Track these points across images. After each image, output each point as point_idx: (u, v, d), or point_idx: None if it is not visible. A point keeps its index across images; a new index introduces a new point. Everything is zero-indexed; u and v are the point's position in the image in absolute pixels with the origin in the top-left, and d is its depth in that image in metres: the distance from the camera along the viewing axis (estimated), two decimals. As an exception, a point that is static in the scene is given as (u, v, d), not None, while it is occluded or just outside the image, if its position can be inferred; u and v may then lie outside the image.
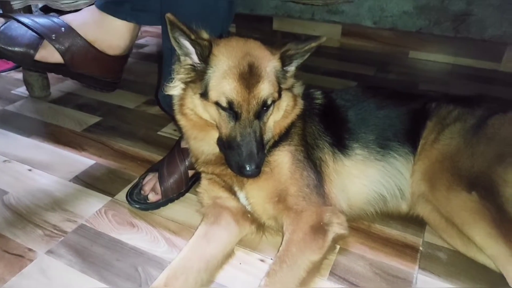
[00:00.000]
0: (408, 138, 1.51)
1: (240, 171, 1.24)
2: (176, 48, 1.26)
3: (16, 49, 1.56)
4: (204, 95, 1.25)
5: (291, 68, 1.34)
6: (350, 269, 1.33)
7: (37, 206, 1.58)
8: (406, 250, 1.41)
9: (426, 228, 1.50)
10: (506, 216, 1.24)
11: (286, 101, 1.35)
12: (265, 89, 1.22)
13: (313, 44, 1.29)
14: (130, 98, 2.43)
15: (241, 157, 1.22)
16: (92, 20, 1.62)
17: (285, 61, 1.30)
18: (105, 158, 1.90)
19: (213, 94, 1.23)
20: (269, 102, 1.25)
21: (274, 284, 1.16)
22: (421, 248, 1.42)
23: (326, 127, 1.51)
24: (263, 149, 1.28)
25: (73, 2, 2.13)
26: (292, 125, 1.41)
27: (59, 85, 2.61)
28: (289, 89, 1.36)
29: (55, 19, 1.61)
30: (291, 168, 1.36)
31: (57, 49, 1.59)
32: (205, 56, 1.24)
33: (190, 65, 1.28)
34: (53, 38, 1.57)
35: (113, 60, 1.67)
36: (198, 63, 1.27)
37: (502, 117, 1.45)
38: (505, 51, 2.92)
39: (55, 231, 1.46)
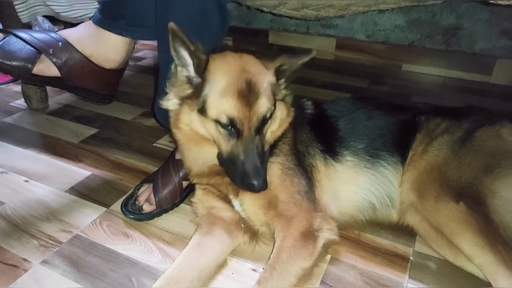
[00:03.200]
0: (398, 148, 1.55)
1: (248, 188, 1.26)
2: (175, 57, 1.28)
3: (14, 63, 1.60)
4: (202, 111, 1.27)
5: (283, 81, 1.38)
6: (341, 279, 1.35)
7: (32, 217, 1.60)
8: (396, 260, 1.44)
9: (417, 238, 1.52)
10: (493, 226, 1.27)
11: (280, 110, 1.38)
12: (264, 105, 1.25)
13: (305, 59, 1.33)
14: (127, 110, 2.46)
15: (248, 174, 1.23)
16: (89, 35, 1.67)
17: (279, 75, 1.33)
18: (101, 169, 1.92)
19: (213, 112, 1.24)
20: (268, 116, 1.27)
21: (265, 292, 1.18)
22: (411, 258, 1.45)
23: (317, 135, 1.54)
24: (266, 162, 1.31)
25: (79, 16, 2.18)
26: (284, 133, 1.44)
27: (57, 97, 2.64)
28: (282, 99, 1.40)
29: (53, 34, 1.65)
30: (282, 175, 1.39)
31: (54, 63, 1.63)
32: (201, 70, 1.26)
33: (186, 76, 1.30)
34: (51, 52, 1.61)
35: (109, 73, 1.71)
36: (194, 76, 1.29)
37: (489, 129, 1.49)
38: (495, 63, 2.97)
39: (50, 242, 1.47)
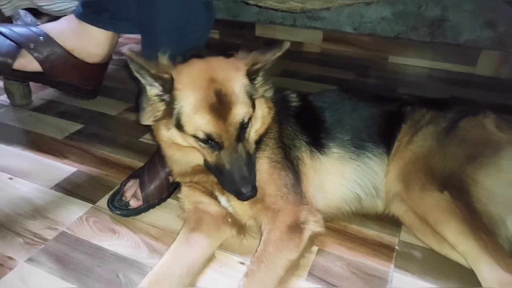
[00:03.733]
0: (383, 139, 1.56)
1: (237, 196, 1.26)
2: (140, 79, 1.24)
3: (-6, 58, 1.56)
4: (179, 127, 1.24)
5: (259, 77, 1.32)
6: (328, 270, 1.37)
7: (17, 214, 1.57)
8: (382, 250, 1.45)
9: (402, 228, 1.54)
10: (476, 214, 1.29)
11: (261, 108, 1.36)
12: (239, 113, 1.21)
13: (279, 53, 1.27)
14: (112, 105, 2.43)
15: (236, 184, 1.23)
16: (71, 29, 1.64)
17: (252, 75, 1.28)
18: (87, 165, 1.90)
19: (189, 129, 1.22)
20: (246, 121, 1.24)
21: (253, 284, 1.18)
22: (397, 247, 1.47)
23: (302, 128, 1.54)
24: (253, 165, 1.29)
25: (62, 9, 2.13)
26: (268, 128, 1.43)
27: (41, 93, 2.59)
28: (262, 96, 1.37)
29: (34, 29, 1.62)
30: (269, 169, 1.39)
31: (36, 58, 1.60)
32: (168, 90, 1.22)
33: (157, 95, 1.26)
34: (31, 47, 1.58)
35: (92, 68, 1.68)
36: (164, 94, 1.25)
37: (472, 119, 1.51)
38: (480, 55, 3.01)
39: (36, 239, 1.46)
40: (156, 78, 1.20)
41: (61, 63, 1.61)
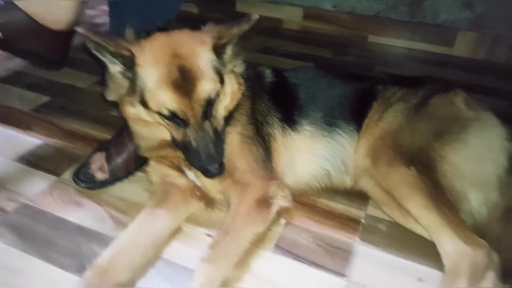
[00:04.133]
0: (354, 116, 1.56)
1: (204, 173, 1.24)
2: (100, 57, 1.19)
3: None
4: (144, 104, 1.20)
5: (228, 52, 1.29)
6: (294, 242, 1.37)
7: (-23, 186, 1.52)
8: (349, 223, 1.47)
9: (370, 202, 1.56)
10: (441, 189, 1.31)
11: (230, 84, 1.33)
12: (204, 89, 1.17)
13: (246, 27, 1.23)
14: (82, 78, 2.35)
15: (202, 161, 1.20)
16: (33, -8, 1.55)
17: (218, 50, 1.24)
18: (53, 138, 1.84)
19: (153, 106, 1.18)
20: (212, 97, 1.20)
21: (217, 256, 1.18)
22: (363, 221, 1.48)
23: (275, 104, 1.52)
24: (221, 142, 1.27)
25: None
26: (239, 104, 1.40)
27: (7, 63, 2.49)
28: (231, 71, 1.33)
29: (-9, -9, 1.52)
30: (240, 144, 1.37)
31: (-5, 23, 1.51)
32: (130, 67, 1.18)
33: (119, 72, 1.22)
34: (-11, 11, 1.49)
35: (57, 35, 1.60)
36: (126, 71, 1.20)
37: (442, 97, 1.52)
38: (457, 35, 3.02)
39: (-5, 211, 1.42)
40: (116, 55, 1.16)
41: (23, 29, 1.52)
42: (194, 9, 3.74)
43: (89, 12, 3.50)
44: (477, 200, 1.36)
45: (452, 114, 1.47)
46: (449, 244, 1.24)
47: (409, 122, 1.46)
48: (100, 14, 3.50)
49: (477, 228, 1.37)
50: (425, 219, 1.30)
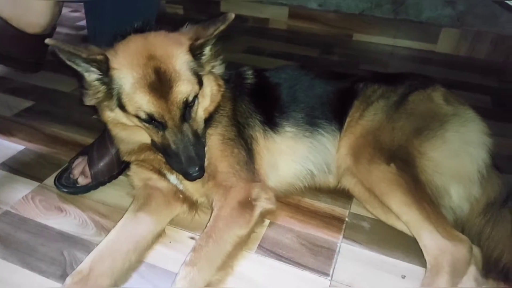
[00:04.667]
0: (336, 116, 1.56)
1: (185, 177, 1.24)
2: (74, 67, 1.17)
3: None
4: (122, 107, 1.20)
5: (206, 53, 1.28)
6: (277, 242, 1.38)
7: (-43, 194, 1.51)
8: (333, 222, 1.48)
9: (353, 201, 1.57)
10: (420, 185, 1.33)
11: (209, 86, 1.32)
12: (181, 91, 1.16)
13: (222, 27, 1.20)
14: (65, 82, 2.32)
15: (182, 164, 1.19)
16: (7, -4, 1.53)
17: (195, 51, 1.22)
18: (35, 143, 1.83)
19: (130, 109, 1.17)
20: (190, 99, 1.19)
21: (200, 259, 1.17)
22: (347, 219, 1.49)
23: (257, 106, 1.52)
24: (201, 144, 1.26)
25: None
26: (219, 106, 1.40)
27: (-11, 69, 2.46)
28: (210, 72, 1.32)
29: (-38, -6, 1.50)
30: (221, 146, 1.37)
31: (-32, 28, 1.49)
32: (105, 71, 1.16)
33: (97, 79, 1.20)
34: (-38, 15, 1.47)
35: (33, 39, 1.58)
36: (103, 76, 1.19)
37: (421, 93, 1.53)
38: (440, 32, 3.05)
39: (-24, 219, 1.40)
40: (90, 61, 1.14)
41: (-3, 32, 1.51)
42: (180, 10, 3.73)
43: (72, 14, 3.48)
44: (457, 195, 1.37)
45: (431, 110, 1.48)
46: (429, 239, 1.25)
47: (388, 119, 1.47)
48: (83, 16, 3.48)
49: (458, 223, 1.39)
50: (405, 215, 1.32)
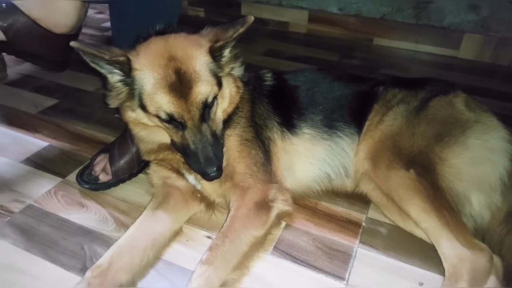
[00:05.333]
0: (355, 119, 1.56)
1: (203, 176, 1.26)
2: (98, 69, 1.21)
3: (-47, 26, 1.50)
4: (143, 108, 1.22)
5: (225, 55, 1.29)
6: (293, 244, 1.38)
7: (-16, 188, 1.56)
8: (349, 226, 1.47)
9: (371, 205, 1.56)
10: (440, 192, 1.31)
11: (228, 87, 1.34)
12: (201, 92, 1.18)
13: (241, 30, 1.22)
14: (89, 81, 2.38)
15: (200, 164, 1.21)
16: (37, -3, 1.59)
17: (215, 53, 1.24)
18: (59, 140, 1.88)
19: (151, 109, 1.20)
20: (210, 100, 1.21)
21: (216, 258, 1.19)
22: (363, 224, 1.48)
23: (275, 108, 1.53)
24: (220, 145, 1.27)
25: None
26: (237, 107, 1.41)
27: (17, 67, 2.54)
28: (229, 73, 1.34)
29: (-5, -5, 1.56)
30: (239, 147, 1.38)
31: (-1, 26, 1.55)
32: (127, 72, 1.19)
33: (120, 81, 1.23)
34: (-7, 14, 1.53)
35: (60, 39, 1.64)
36: (126, 77, 1.22)
37: (442, 99, 1.52)
38: (463, 38, 3.00)
39: (2, 211, 1.45)
40: (112, 63, 1.17)
41: (26, 32, 1.56)
42: (201, 13, 3.78)
43: (97, 16, 3.57)
44: (478, 203, 1.35)
45: (452, 116, 1.46)
46: (449, 247, 1.24)
47: (409, 124, 1.46)
48: (107, 18, 3.56)
49: (478, 231, 1.36)
50: (424, 222, 1.30)
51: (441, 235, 1.25)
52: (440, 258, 1.25)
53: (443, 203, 1.29)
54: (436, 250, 1.27)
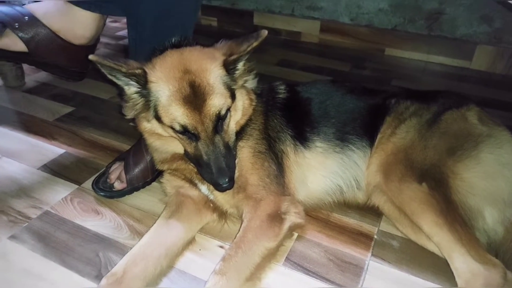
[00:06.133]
0: (367, 132, 1.57)
1: (215, 187, 1.28)
2: (115, 81, 1.25)
3: (-22, 37, 1.56)
4: (158, 119, 1.26)
5: (239, 68, 1.32)
6: (305, 256, 1.39)
7: (3, 193, 1.60)
8: (361, 238, 1.47)
9: (383, 218, 1.56)
10: (453, 206, 1.31)
11: (241, 100, 1.36)
12: (214, 104, 1.21)
13: (255, 44, 1.24)
14: (105, 89, 2.43)
15: (213, 174, 1.24)
16: (57, 10, 1.64)
17: (229, 66, 1.27)
18: (75, 147, 1.92)
19: (165, 120, 1.23)
20: (223, 112, 1.24)
21: (229, 269, 1.20)
22: (375, 237, 1.48)
23: (288, 121, 1.54)
24: (232, 156, 1.30)
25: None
26: (250, 119, 1.43)
27: (34, 75, 2.60)
28: (243, 86, 1.36)
29: (18, 8, 1.62)
30: (252, 159, 1.40)
31: (21, 38, 1.60)
32: (143, 84, 1.23)
33: (136, 92, 1.27)
34: (16, 26, 1.58)
35: (78, 49, 1.69)
36: (142, 89, 1.25)
37: (455, 112, 1.52)
38: (475, 49, 2.99)
39: (20, 217, 1.48)
40: (129, 75, 1.21)
41: (46, 44, 1.61)
42: (214, 22, 3.83)
43: (111, 24, 3.63)
44: (491, 218, 1.34)
45: (465, 130, 1.46)
46: (461, 262, 1.23)
47: (421, 138, 1.46)
48: (123, 27, 3.63)
49: (491, 247, 1.36)
50: (436, 236, 1.30)
51: (454, 249, 1.25)
52: (453, 273, 1.25)
53: (456, 217, 1.29)
54: (448, 265, 1.26)
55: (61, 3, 1.61)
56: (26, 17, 1.58)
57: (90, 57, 1.15)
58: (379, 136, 1.55)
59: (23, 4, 1.65)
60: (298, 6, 3.49)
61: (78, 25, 1.64)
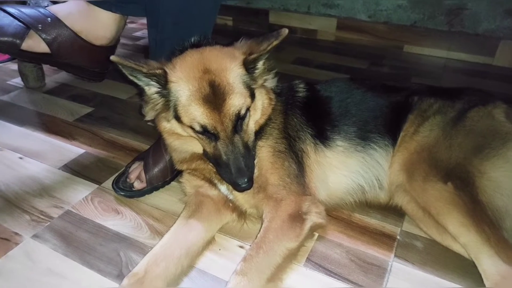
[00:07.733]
0: (389, 130, 1.53)
1: (234, 187, 1.27)
2: (136, 81, 1.25)
3: (2, 38, 1.58)
4: (178, 118, 1.25)
5: (259, 67, 1.30)
6: (326, 256, 1.36)
7: (25, 193, 1.62)
8: (383, 239, 1.44)
9: (405, 218, 1.52)
10: (480, 206, 1.27)
11: (261, 99, 1.35)
12: (234, 104, 1.20)
13: (275, 42, 1.24)
14: (123, 89, 2.45)
15: (232, 175, 1.23)
16: (78, 11, 1.65)
17: (248, 66, 1.26)
18: (95, 147, 1.93)
19: (185, 120, 1.23)
20: (243, 112, 1.23)
21: (250, 269, 1.18)
22: (398, 237, 1.45)
23: (308, 119, 1.52)
24: (251, 156, 1.29)
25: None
26: (270, 118, 1.41)
27: (54, 76, 2.64)
28: (262, 85, 1.35)
29: (42, 10, 1.64)
30: (272, 158, 1.38)
31: (44, 39, 1.62)
32: (163, 85, 1.23)
33: (156, 92, 1.27)
34: (40, 28, 1.60)
35: (99, 50, 1.70)
36: (162, 89, 1.25)
37: (481, 109, 1.47)
38: (499, 45, 2.91)
39: (42, 217, 1.50)
40: (150, 75, 1.21)
41: (68, 45, 1.63)
42: (229, 22, 3.83)
43: (129, 25, 3.67)
44: (520, 218, 1.30)
45: (492, 128, 1.41)
46: (489, 264, 1.19)
47: (446, 136, 1.42)
48: (140, 28, 3.66)
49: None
50: (463, 237, 1.26)
51: (482, 251, 1.21)
52: (480, 275, 1.21)
53: (483, 217, 1.25)
54: (475, 267, 1.22)
55: (82, 4, 1.63)
56: (49, 19, 1.61)
57: (112, 58, 1.15)
58: (401, 134, 1.52)
59: (46, 6, 1.67)
60: (314, 3, 3.46)
61: (100, 26, 1.65)
